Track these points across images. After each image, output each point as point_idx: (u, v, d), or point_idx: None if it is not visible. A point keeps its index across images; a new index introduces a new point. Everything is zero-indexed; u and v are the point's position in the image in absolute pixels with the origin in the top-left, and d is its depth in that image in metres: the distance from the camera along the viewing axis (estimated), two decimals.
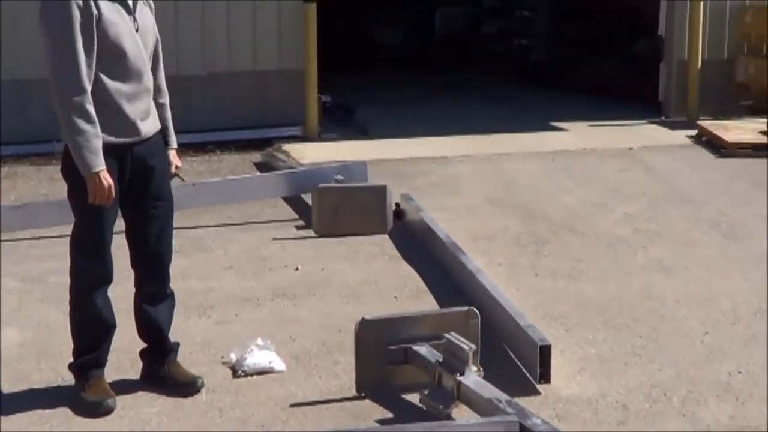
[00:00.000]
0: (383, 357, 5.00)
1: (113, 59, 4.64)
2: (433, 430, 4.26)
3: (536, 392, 5.08)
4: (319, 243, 7.78)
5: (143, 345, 5.21)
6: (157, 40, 4.96)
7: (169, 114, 5.09)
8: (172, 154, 5.12)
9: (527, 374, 5.22)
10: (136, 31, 4.74)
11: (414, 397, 4.94)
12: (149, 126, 4.86)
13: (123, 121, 4.71)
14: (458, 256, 6.73)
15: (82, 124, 4.53)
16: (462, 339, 4.79)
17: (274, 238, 7.88)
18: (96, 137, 4.56)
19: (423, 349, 4.97)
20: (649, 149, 11.32)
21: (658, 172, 10.22)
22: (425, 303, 6.40)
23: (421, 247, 7.53)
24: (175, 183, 5.23)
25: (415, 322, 5.11)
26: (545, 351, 5.06)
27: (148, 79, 4.83)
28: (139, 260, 5.01)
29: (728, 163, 10.62)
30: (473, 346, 4.76)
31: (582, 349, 5.69)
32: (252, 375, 5.28)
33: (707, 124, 11.88)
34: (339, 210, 7.93)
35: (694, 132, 11.91)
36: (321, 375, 5.32)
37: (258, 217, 8.49)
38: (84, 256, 4.84)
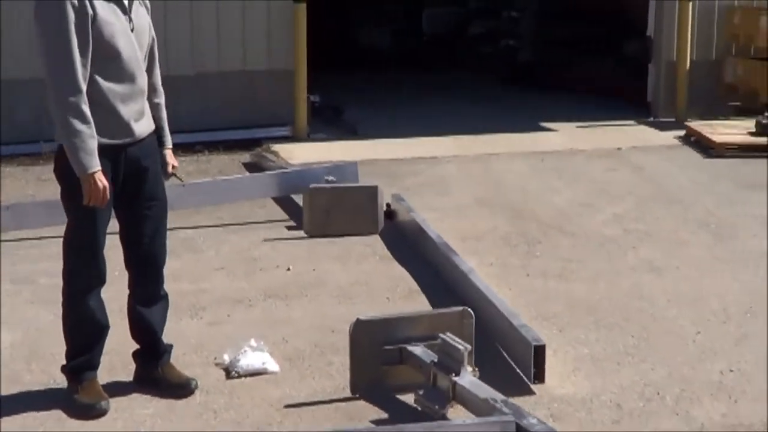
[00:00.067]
0: (378, 357, 5.00)
1: (108, 59, 4.63)
2: (431, 431, 4.26)
3: (530, 392, 5.09)
4: (311, 243, 7.78)
5: (135, 346, 5.20)
6: (153, 39, 4.95)
7: (164, 114, 5.08)
8: (168, 154, 5.12)
9: (521, 374, 5.22)
10: (132, 31, 4.73)
11: (409, 398, 4.94)
12: (143, 127, 4.85)
13: (117, 122, 4.70)
14: (450, 256, 6.74)
15: (78, 125, 4.52)
16: (457, 339, 4.80)
17: (265, 239, 7.87)
18: (91, 138, 4.55)
19: (418, 350, 4.97)
20: (638, 149, 11.34)
21: (647, 173, 10.24)
22: (417, 303, 6.40)
23: (413, 248, 7.54)
24: (169, 183, 5.23)
25: (409, 322, 5.12)
26: (539, 351, 5.08)
27: (143, 80, 4.82)
28: (133, 261, 5.00)
29: (716, 163, 10.64)
30: (469, 347, 4.77)
31: (575, 348, 5.70)
32: (246, 376, 5.27)
33: (695, 124, 11.92)
34: (330, 210, 7.93)
35: (682, 132, 11.94)
36: (315, 376, 5.32)
37: (248, 218, 8.48)
38: (77, 257, 4.82)
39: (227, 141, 11.51)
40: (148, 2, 4.93)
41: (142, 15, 4.84)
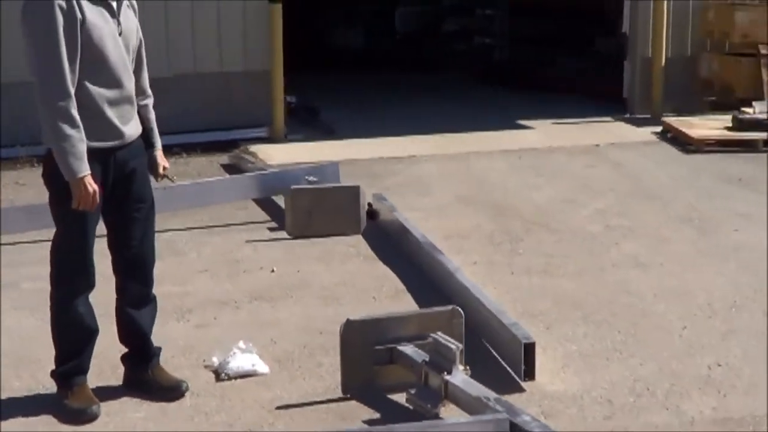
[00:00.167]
0: (368, 357, 5.00)
1: (96, 63, 4.60)
2: (426, 430, 4.25)
3: (521, 389, 5.10)
4: (293, 245, 7.76)
5: (123, 350, 5.18)
6: (141, 42, 4.92)
7: (152, 115, 5.06)
8: (159, 155, 5.09)
9: (511, 372, 5.23)
10: (120, 34, 4.70)
11: (400, 397, 4.94)
12: (132, 129, 4.83)
13: (106, 126, 4.68)
14: (435, 255, 6.74)
15: (67, 129, 4.49)
16: (448, 338, 4.80)
17: (247, 241, 7.85)
18: (81, 142, 4.52)
19: (408, 349, 4.97)
20: (616, 146, 11.37)
21: (626, 169, 10.27)
22: (404, 303, 6.40)
23: (396, 247, 7.53)
24: (158, 184, 5.20)
25: (400, 322, 5.11)
26: (529, 349, 5.08)
27: (130, 83, 4.79)
28: (122, 265, 4.97)
29: (694, 158, 10.68)
30: (460, 345, 4.77)
31: (563, 345, 5.71)
32: (235, 378, 5.26)
33: (672, 120, 11.96)
34: (312, 211, 7.91)
35: (659, 128, 11.98)
36: (305, 377, 5.31)
37: (229, 220, 8.44)
38: (66, 261, 4.79)
39: (204, 143, 11.45)
40: (135, 4, 4.91)
41: (130, 17, 4.82)
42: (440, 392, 4.69)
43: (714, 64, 12.97)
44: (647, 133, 12.01)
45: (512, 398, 4.83)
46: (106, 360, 5.27)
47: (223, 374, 5.27)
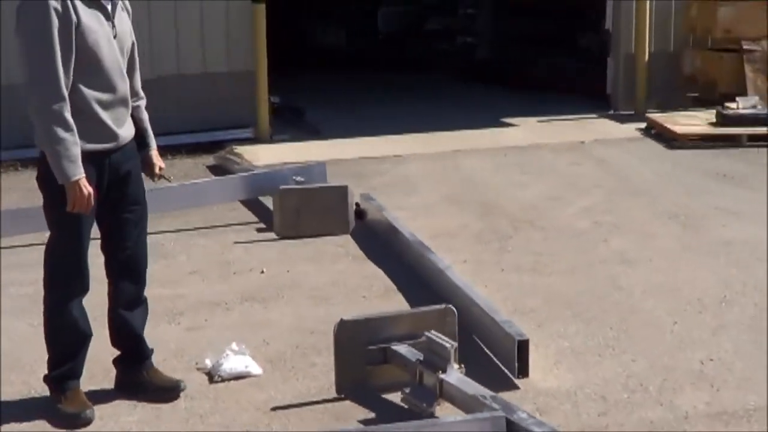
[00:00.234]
0: (362, 357, 4.99)
1: (91, 66, 4.59)
2: (424, 429, 4.25)
3: (515, 387, 5.10)
4: (282, 245, 7.75)
5: (113, 354, 5.14)
6: (133, 43, 4.91)
7: (146, 116, 5.05)
8: (155, 156, 5.08)
9: (504, 369, 5.24)
10: (114, 37, 4.69)
11: (394, 397, 4.94)
12: (126, 132, 4.82)
13: (101, 128, 4.66)
14: (425, 254, 6.74)
15: (61, 133, 4.47)
16: (443, 337, 4.80)
17: (236, 242, 7.84)
18: (75, 145, 4.51)
19: (402, 348, 4.97)
20: (601, 143, 11.41)
21: (612, 165, 10.31)
22: (395, 302, 6.40)
23: (385, 246, 7.53)
24: (150, 185, 5.19)
25: (393, 321, 5.11)
26: (523, 346, 5.09)
27: (125, 86, 4.78)
28: (116, 267, 4.95)
29: (679, 154, 10.72)
30: (455, 344, 4.77)
31: (555, 342, 5.72)
32: (229, 380, 5.24)
33: (656, 116, 12.01)
34: (301, 211, 7.90)
35: (643, 125, 12.03)
36: (298, 377, 5.30)
37: (217, 221, 8.43)
38: (61, 266, 4.77)
39: (189, 144, 11.44)
40: (129, 6, 4.89)
41: (124, 20, 4.81)
42: (435, 391, 4.69)
43: (697, 60, 13.02)
44: (631, 129, 12.06)
45: (506, 396, 4.82)
46: (98, 364, 5.23)
47: (216, 376, 5.25)
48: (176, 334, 5.95)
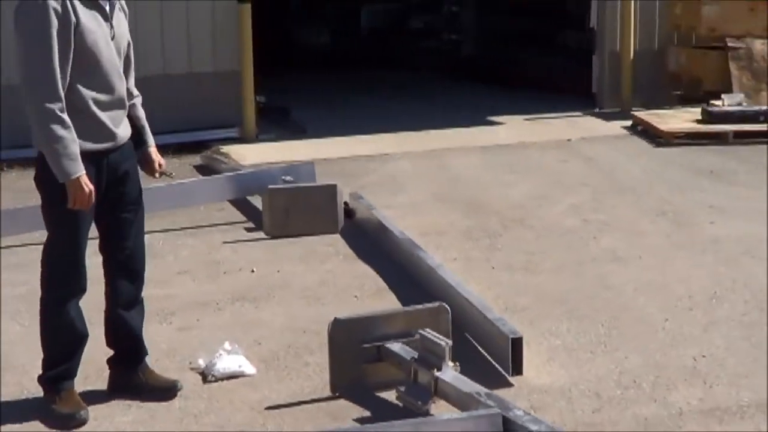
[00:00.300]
0: (357, 356, 5.00)
1: (89, 67, 4.59)
2: (421, 427, 4.25)
3: (508, 384, 5.11)
4: (271, 244, 7.74)
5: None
6: (129, 44, 4.91)
7: (142, 113, 5.05)
8: (154, 152, 5.07)
9: (498, 367, 5.24)
10: (112, 38, 4.69)
11: (389, 395, 4.94)
12: (124, 131, 4.82)
13: (99, 128, 4.66)
14: (416, 252, 6.74)
15: (59, 131, 4.46)
16: (437, 335, 4.80)
17: (225, 242, 7.83)
18: (73, 142, 4.50)
19: (396, 347, 4.98)
20: (587, 140, 11.42)
21: (599, 163, 10.32)
22: (387, 301, 6.40)
23: (375, 245, 7.53)
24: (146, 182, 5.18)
25: (387, 320, 5.12)
26: (517, 344, 5.10)
27: (122, 86, 4.78)
28: (114, 267, 4.94)
29: (665, 152, 10.75)
30: (450, 342, 4.78)
31: (547, 340, 5.74)
32: (223, 380, 5.24)
33: (642, 114, 12.03)
34: (290, 211, 7.89)
35: (629, 122, 12.04)
36: (292, 377, 5.30)
37: (205, 221, 8.41)
38: (58, 266, 4.76)
39: (175, 144, 11.34)
40: (126, 7, 4.89)
41: (121, 21, 4.82)
42: (430, 389, 4.69)
43: (682, 57, 13.06)
44: (617, 127, 12.08)
45: (501, 393, 4.81)
46: (91, 364, 5.21)
47: (210, 376, 5.24)
48: (168, 334, 5.94)
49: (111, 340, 5.06)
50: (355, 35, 20.45)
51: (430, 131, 12.15)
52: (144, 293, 5.42)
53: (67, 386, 4.85)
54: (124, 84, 4.80)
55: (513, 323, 5.57)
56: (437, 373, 4.68)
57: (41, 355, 4.95)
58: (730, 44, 12.46)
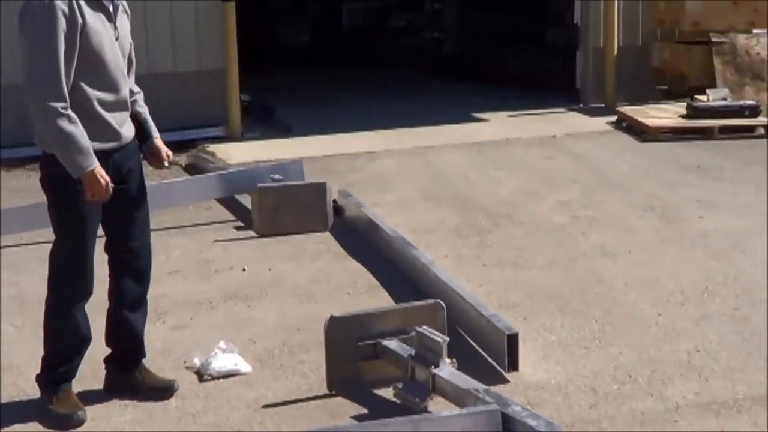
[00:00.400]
0: (353, 353, 5.00)
1: (94, 67, 4.59)
2: (420, 424, 4.26)
3: (505, 381, 5.12)
4: (261, 243, 7.73)
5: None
6: (131, 45, 4.90)
7: (145, 108, 5.04)
8: (159, 143, 5.03)
9: (494, 363, 5.25)
10: (116, 39, 4.69)
11: (386, 393, 4.95)
12: (128, 131, 4.82)
13: (104, 128, 4.65)
14: (408, 249, 6.75)
15: (67, 127, 4.45)
16: (435, 332, 4.81)
17: (215, 240, 7.82)
18: (82, 136, 4.49)
19: (393, 344, 4.98)
20: (572, 136, 11.44)
21: (585, 159, 10.34)
22: (379, 298, 6.40)
23: (365, 243, 7.53)
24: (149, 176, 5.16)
25: (383, 317, 5.13)
26: (513, 339, 5.11)
27: (126, 87, 4.79)
28: (120, 267, 4.93)
29: (651, 147, 10.78)
30: (447, 339, 4.78)
31: (541, 336, 5.75)
32: (218, 378, 5.23)
33: (627, 109, 12.07)
34: (279, 209, 7.88)
35: (613, 118, 12.07)
36: (288, 375, 5.29)
37: (194, 220, 8.40)
38: (65, 268, 4.73)
39: None
40: (128, 9, 4.88)
41: (124, 22, 4.82)
42: (428, 386, 4.70)
43: (665, 52, 13.11)
44: (602, 122, 12.10)
45: (497, 390, 4.83)
46: (88, 364, 5.15)
47: (206, 375, 5.24)
48: (162, 333, 5.92)
49: (111, 339, 5.04)
50: (337, 33, 20.44)
51: (415, 128, 12.15)
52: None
53: (65, 387, 4.84)
54: (127, 85, 4.81)
55: (506, 320, 5.59)
56: (434, 370, 4.69)
57: (36, 356, 4.96)
58: (713, 39, 12.52)
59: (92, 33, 4.54)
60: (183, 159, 10.44)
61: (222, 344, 5.42)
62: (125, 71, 4.79)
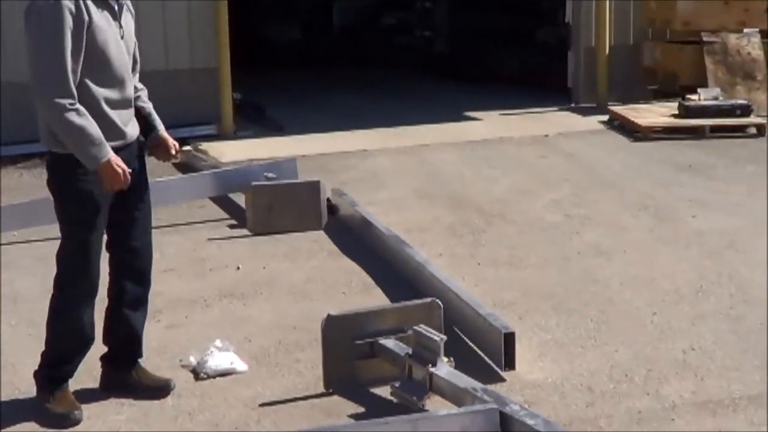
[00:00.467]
0: (350, 352, 4.99)
1: (100, 66, 4.58)
2: (418, 423, 4.25)
3: (501, 379, 5.12)
4: (255, 241, 7.73)
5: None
6: (135, 44, 4.90)
7: (149, 104, 5.03)
8: (165, 135, 5.00)
9: (490, 362, 5.25)
10: (122, 38, 4.68)
11: (383, 391, 4.94)
12: (132, 130, 4.81)
13: (109, 126, 4.63)
14: (403, 248, 6.75)
15: (77, 120, 4.45)
16: (432, 330, 4.81)
17: (209, 239, 7.81)
18: (94, 127, 4.48)
19: (390, 343, 4.98)
20: (564, 136, 11.45)
21: (578, 158, 10.36)
22: (374, 297, 6.40)
23: (360, 241, 7.53)
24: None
25: (380, 316, 5.12)
26: (509, 338, 5.11)
27: (131, 85, 4.78)
28: (121, 267, 4.91)
29: (643, 146, 10.81)
30: (444, 337, 4.78)
31: (537, 335, 5.75)
32: (215, 377, 5.22)
33: (619, 108, 12.09)
34: (273, 207, 7.88)
35: (605, 117, 12.11)
36: (284, 373, 5.29)
37: (188, 218, 8.39)
38: (72, 269, 4.71)
39: None
40: (132, 8, 4.87)
41: (129, 21, 4.81)
42: (425, 385, 4.70)
43: (657, 52, 13.14)
44: (594, 122, 12.14)
45: (494, 388, 4.83)
46: (82, 362, 5.14)
47: (202, 373, 5.23)
48: (157, 332, 5.90)
49: (109, 338, 5.02)
50: (328, 32, 20.44)
51: (408, 127, 12.19)
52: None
53: (63, 387, 4.82)
54: (132, 83, 4.81)
55: (502, 318, 5.60)
56: (432, 369, 4.69)
57: (32, 354, 4.96)
58: (705, 39, 12.55)
59: (98, 31, 4.54)
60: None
61: (218, 343, 5.41)
62: (130, 70, 4.78)
